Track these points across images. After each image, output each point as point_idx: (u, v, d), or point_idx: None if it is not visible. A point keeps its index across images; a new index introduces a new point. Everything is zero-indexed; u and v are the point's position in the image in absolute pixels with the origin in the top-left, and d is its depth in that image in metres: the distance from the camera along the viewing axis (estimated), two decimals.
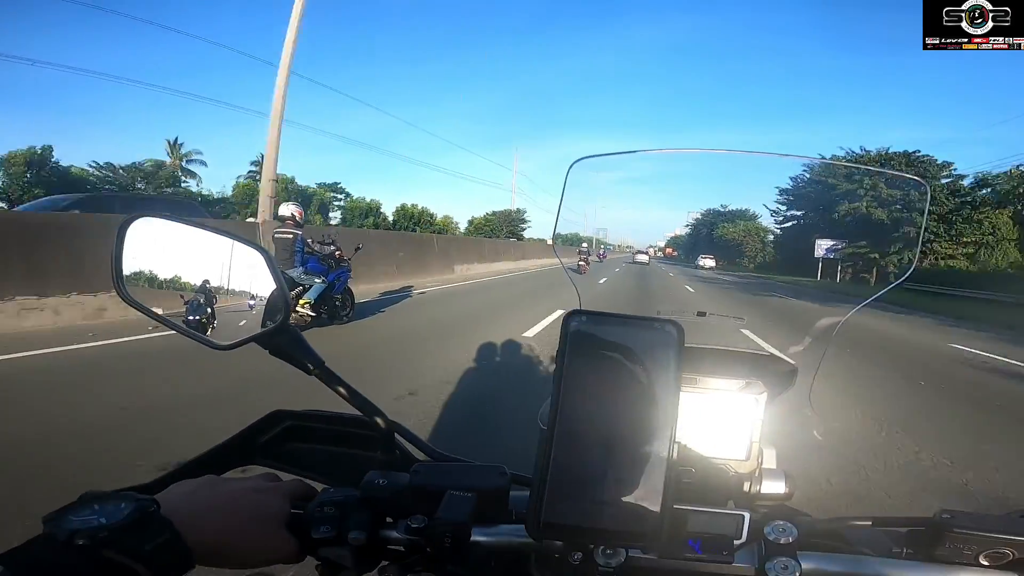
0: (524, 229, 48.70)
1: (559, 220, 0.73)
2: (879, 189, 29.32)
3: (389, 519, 0.48)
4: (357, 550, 0.45)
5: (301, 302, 5.23)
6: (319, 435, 0.58)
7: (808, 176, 34.92)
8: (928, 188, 0.62)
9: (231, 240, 0.54)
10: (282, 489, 0.47)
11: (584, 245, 18.13)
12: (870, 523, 0.49)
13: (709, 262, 36.95)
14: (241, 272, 0.55)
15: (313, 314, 5.34)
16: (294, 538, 0.44)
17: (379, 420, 0.54)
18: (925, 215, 0.58)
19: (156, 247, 0.53)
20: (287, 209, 5.67)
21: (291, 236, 5.45)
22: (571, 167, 0.62)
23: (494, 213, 49.67)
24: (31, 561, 0.30)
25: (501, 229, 46.22)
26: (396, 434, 0.56)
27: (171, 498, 0.38)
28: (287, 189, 28.06)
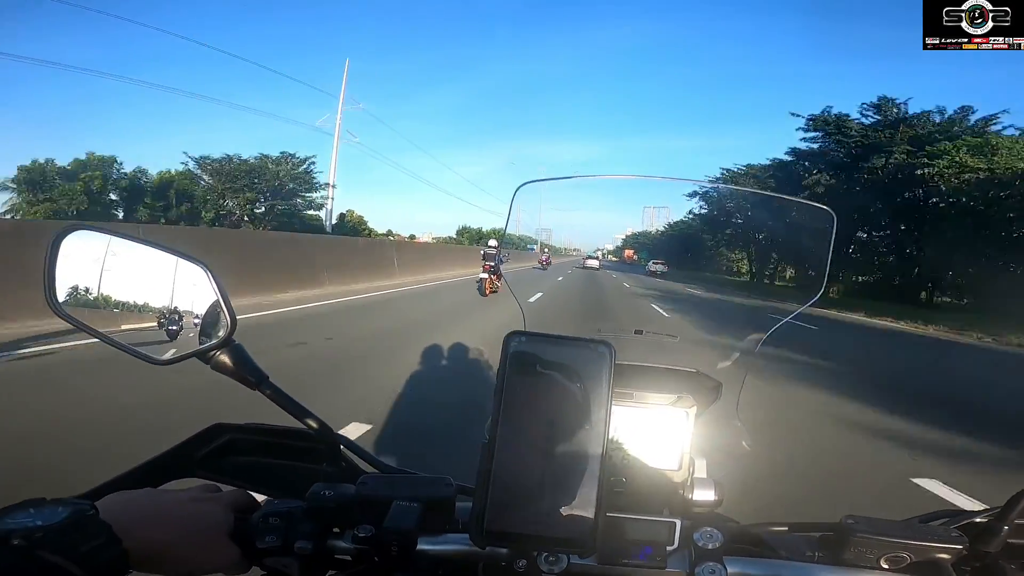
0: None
1: (504, 239, 0.76)
2: (789, 214, 27.51)
3: (336, 530, 0.49)
4: (303, 560, 0.46)
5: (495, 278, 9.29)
6: (261, 448, 0.58)
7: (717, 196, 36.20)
8: (835, 218, 0.64)
9: (173, 255, 0.53)
10: (223, 499, 0.47)
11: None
12: (787, 528, 0.53)
13: (659, 266, 35.64)
14: (183, 287, 0.53)
15: (499, 285, 9.05)
16: (237, 548, 0.45)
17: (324, 433, 0.54)
18: (831, 242, 0.58)
19: (93, 260, 0.52)
20: (493, 242, 11.35)
21: (492, 251, 9.76)
22: (516, 191, 0.64)
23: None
24: None
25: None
26: (342, 446, 0.56)
27: (109, 505, 0.38)
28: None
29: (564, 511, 0.40)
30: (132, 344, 0.52)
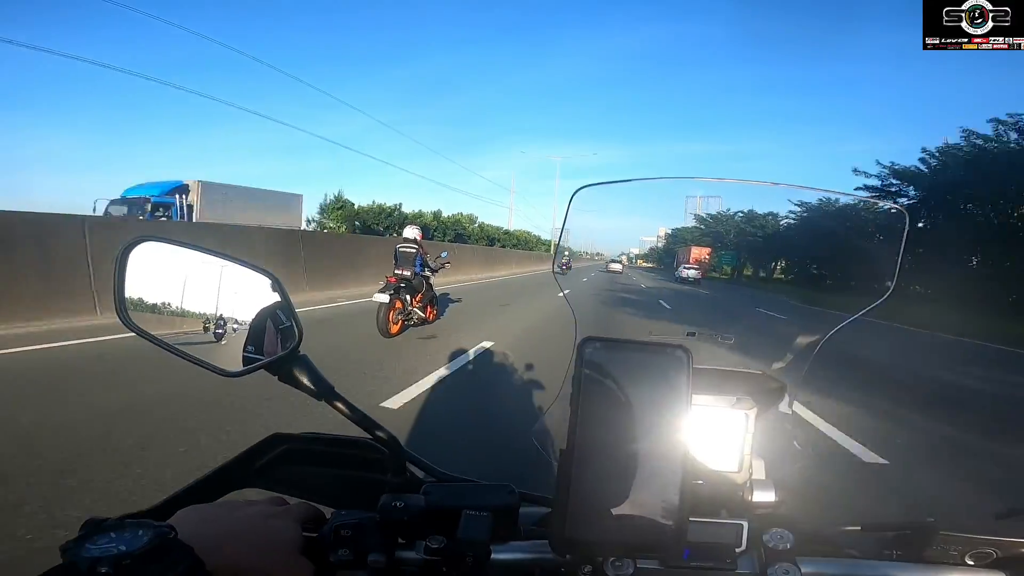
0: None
1: (559, 246, 0.72)
2: (860, 219, 24.83)
3: (402, 540, 0.48)
4: (375, 573, 0.45)
5: (415, 300, 6.27)
6: (316, 458, 0.58)
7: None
8: (907, 217, 0.64)
9: (238, 265, 0.52)
10: (292, 513, 0.46)
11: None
12: (860, 528, 0.52)
13: (691, 271, 30.28)
14: (249, 297, 0.53)
15: (423, 314, 6.37)
16: (309, 563, 0.44)
17: (390, 443, 0.54)
18: (903, 242, 0.57)
19: (160, 272, 0.51)
20: (411, 232, 6.73)
21: (413, 251, 6.47)
22: (574, 195, 0.63)
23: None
24: None
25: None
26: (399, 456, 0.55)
27: (185, 524, 0.37)
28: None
29: (647, 517, 0.40)
30: (199, 355, 0.52)
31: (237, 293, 0.53)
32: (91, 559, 0.30)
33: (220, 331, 0.52)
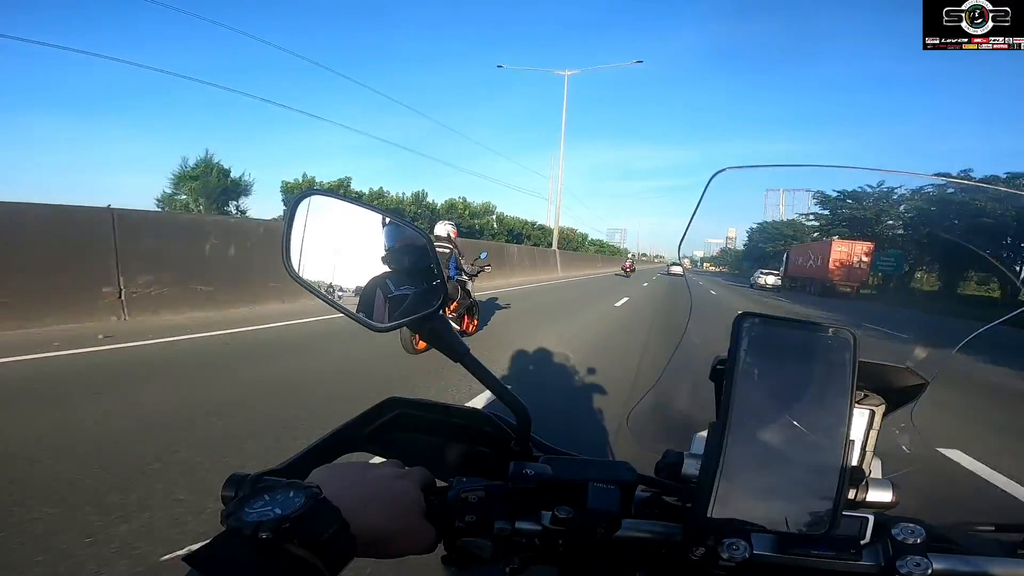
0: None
1: (688, 233, 0.66)
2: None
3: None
4: (499, 540, 0.45)
5: (448, 310, 5.22)
6: (426, 425, 0.58)
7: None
8: None
9: (395, 222, 0.53)
10: (414, 476, 0.46)
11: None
12: (993, 528, 0.51)
13: (771, 278, 24.95)
14: (401, 255, 0.54)
15: (458, 326, 5.57)
16: (432, 527, 0.43)
17: (519, 410, 0.53)
18: None
19: (322, 225, 0.53)
20: (443, 228, 5.86)
21: (447, 251, 5.60)
22: (713, 176, 0.58)
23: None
24: (224, 558, 0.30)
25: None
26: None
27: (327, 485, 0.37)
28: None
29: (801, 501, 0.39)
30: (352, 308, 0.53)
31: (389, 248, 0.54)
32: (254, 523, 0.31)
33: (371, 285, 0.54)
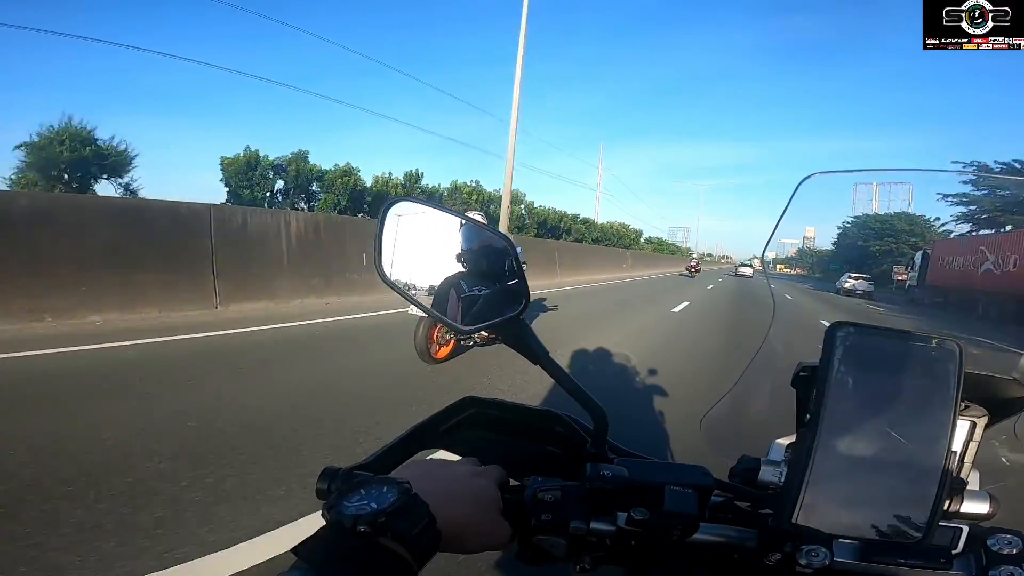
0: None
1: (773, 238, 0.63)
2: None
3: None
4: (573, 539, 0.46)
5: None
6: (499, 425, 0.59)
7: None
8: None
9: (477, 228, 0.57)
10: (491, 474, 0.47)
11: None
12: None
13: (861, 283, 17.83)
14: (477, 256, 0.57)
15: (485, 334, 4.49)
16: (508, 524, 0.44)
17: (596, 413, 0.54)
18: None
19: (410, 229, 0.56)
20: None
21: None
22: (802, 182, 0.57)
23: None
24: (326, 550, 0.32)
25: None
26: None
27: (416, 480, 0.38)
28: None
29: (892, 510, 0.39)
30: (438, 311, 0.56)
31: (465, 250, 0.57)
32: (352, 517, 0.32)
33: (444, 285, 0.57)
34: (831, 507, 0.39)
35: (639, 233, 46.28)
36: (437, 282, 0.57)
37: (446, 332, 4.49)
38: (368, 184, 19.99)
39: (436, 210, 0.57)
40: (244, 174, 18.43)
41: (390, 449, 0.54)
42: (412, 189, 22.01)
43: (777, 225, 0.63)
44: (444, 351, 4.50)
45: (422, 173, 23.83)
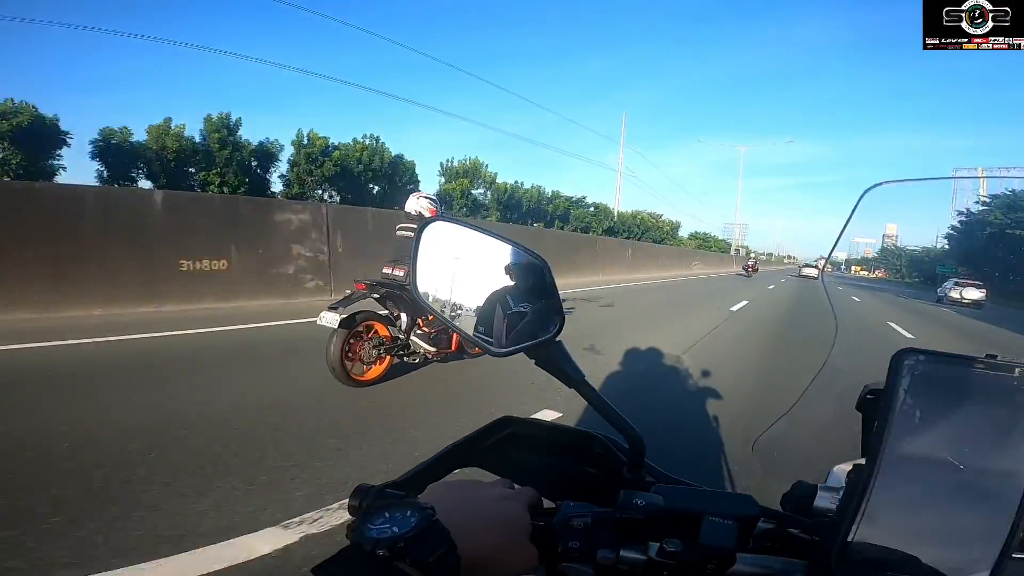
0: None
1: (837, 247, 0.57)
2: None
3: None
4: (601, 569, 0.44)
5: (420, 322, 3.81)
6: (537, 445, 0.58)
7: None
8: None
9: (511, 247, 0.55)
10: (522, 497, 0.46)
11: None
12: None
13: (975, 292, 17.29)
14: (517, 281, 0.55)
15: (433, 348, 3.84)
16: (535, 550, 0.43)
17: (633, 437, 0.53)
18: None
19: (444, 250, 0.56)
20: (415, 204, 4.11)
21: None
22: (865, 192, 0.56)
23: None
24: (344, 572, 0.32)
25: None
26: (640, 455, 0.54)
27: (440, 503, 0.38)
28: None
29: (956, 547, 0.37)
30: (471, 324, 0.55)
31: (508, 274, 0.55)
32: (373, 540, 0.32)
33: (490, 301, 0.55)
34: (887, 541, 0.38)
35: (676, 224, 42.30)
36: (481, 301, 0.55)
37: (377, 346, 3.64)
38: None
39: (471, 230, 0.56)
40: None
41: (425, 469, 0.53)
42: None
43: (840, 235, 0.60)
44: (376, 370, 3.66)
45: (485, 163, 21.68)
